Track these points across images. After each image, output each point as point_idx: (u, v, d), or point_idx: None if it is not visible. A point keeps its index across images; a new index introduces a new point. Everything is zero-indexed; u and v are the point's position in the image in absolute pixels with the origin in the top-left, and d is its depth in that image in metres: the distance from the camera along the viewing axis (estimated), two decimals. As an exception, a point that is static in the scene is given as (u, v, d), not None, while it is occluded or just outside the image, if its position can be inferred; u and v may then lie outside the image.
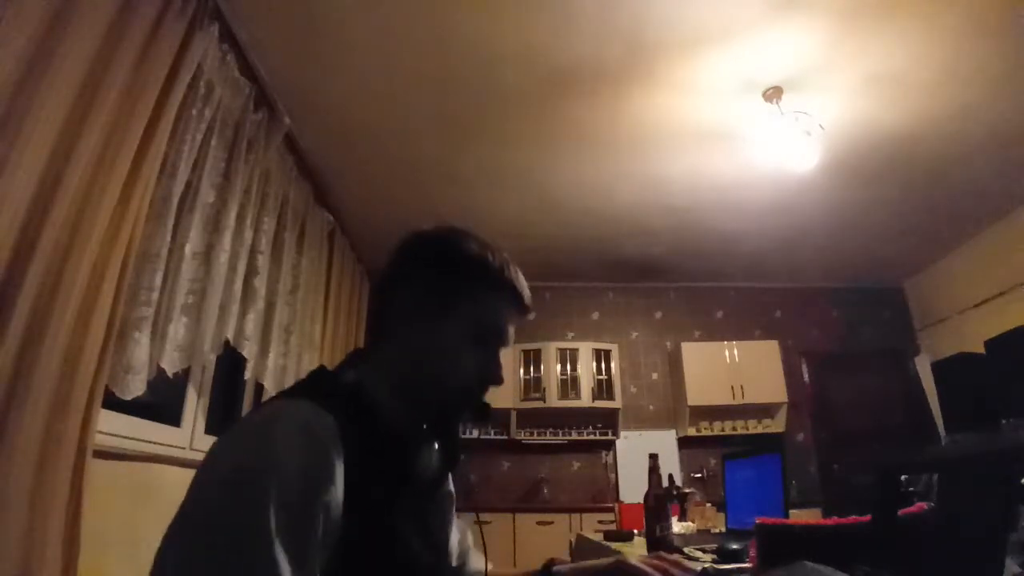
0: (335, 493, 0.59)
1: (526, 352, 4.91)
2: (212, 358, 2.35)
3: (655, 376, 5.22)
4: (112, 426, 1.80)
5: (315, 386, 0.71)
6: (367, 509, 0.62)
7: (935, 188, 3.79)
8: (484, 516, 4.20)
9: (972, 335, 4.34)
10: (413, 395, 0.75)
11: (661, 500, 1.61)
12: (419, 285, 0.78)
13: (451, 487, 0.90)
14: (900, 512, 0.84)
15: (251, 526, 0.52)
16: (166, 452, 2.12)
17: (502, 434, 4.74)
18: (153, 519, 1.93)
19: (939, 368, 4.46)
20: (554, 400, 4.78)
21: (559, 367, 4.88)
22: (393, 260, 0.82)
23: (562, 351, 4.95)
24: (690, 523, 2.33)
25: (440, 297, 0.76)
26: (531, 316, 0.84)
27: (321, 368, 0.77)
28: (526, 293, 0.81)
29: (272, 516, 0.53)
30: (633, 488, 4.63)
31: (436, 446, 0.83)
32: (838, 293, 5.44)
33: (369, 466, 0.64)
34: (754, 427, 4.85)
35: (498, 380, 0.79)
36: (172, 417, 2.30)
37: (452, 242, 0.79)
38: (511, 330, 0.81)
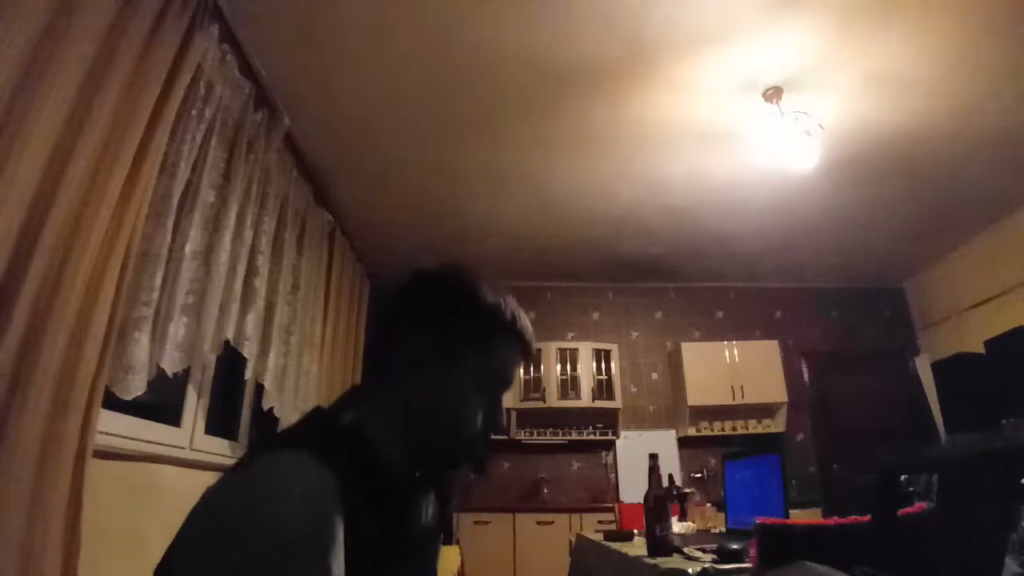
0: (338, 554, 0.57)
1: (526, 352, 4.90)
2: (212, 358, 2.35)
3: (655, 376, 5.22)
4: (112, 426, 1.80)
5: (312, 434, 0.69)
6: (363, 564, 0.61)
7: (935, 188, 3.79)
8: (484, 516, 4.21)
9: (972, 335, 4.35)
10: (417, 444, 0.73)
11: (661, 500, 1.60)
12: (430, 330, 0.75)
13: (439, 544, 0.89)
14: (900, 512, 0.84)
15: None
16: (166, 452, 2.12)
17: (502, 434, 4.74)
18: (153, 519, 1.93)
19: (939, 368, 4.47)
20: (554, 400, 4.77)
21: (559, 367, 4.88)
22: (402, 298, 0.79)
23: (562, 351, 4.94)
24: (690, 523, 2.33)
25: (452, 345, 0.75)
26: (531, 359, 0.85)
27: (318, 410, 0.74)
28: (533, 343, 0.82)
29: None
30: (633, 488, 4.63)
31: (432, 496, 0.81)
32: (838, 293, 5.44)
33: (368, 522, 0.62)
34: (754, 427, 4.85)
35: (500, 430, 0.78)
36: (172, 417, 2.29)
37: (465, 287, 0.77)
38: (514, 375, 0.82)
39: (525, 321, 0.80)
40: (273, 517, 0.54)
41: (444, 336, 0.75)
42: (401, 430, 0.72)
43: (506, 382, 0.79)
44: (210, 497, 0.59)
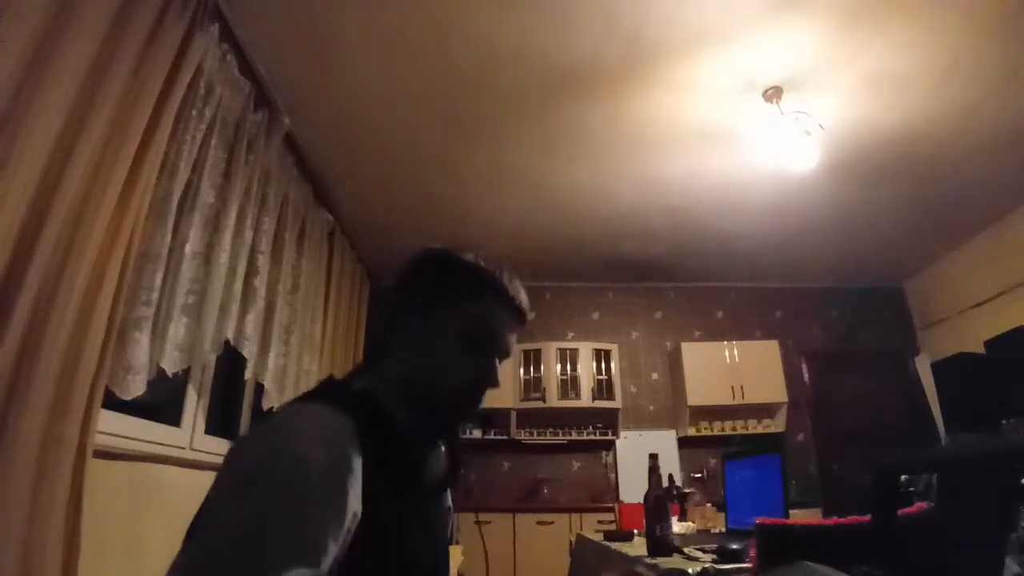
0: (357, 490, 0.60)
1: (526, 352, 4.91)
2: (212, 358, 2.35)
3: (655, 376, 5.22)
4: (112, 426, 1.80)
5: (328, 391, 0.73)
6: (378, 508, 0.64)
7: (935, 188, 3.79)
8: (484, 516, 4.20)
9: (972, 335, 4.35)
10: (413, 400, 0.77)
11: (661, 500, 1.61)
12: (415, 294, 0.81)
13: (450, 502, 0.92)
14: (900, 512, 0.84)
15: (279, 519, 0.54)
16: (166, 452, 2.12)
17: (502, 434, 4.74)
18: (153, 519, 1.93)
19: (939, 368, 4.46)
20: (554, 400, 4.77)
21: (559, 367, 4.88)
22: (396, 278, 0.85)
23: (562, 351, 4.94)
24: (690, 523, 2.33)
25: (433, 303, 0.79)
26: (528, 319, 0.85)
27: (331, 377, 0.79)
28: (521, 297, 0.82)
29: (302, 510, 0.55)
30: (633, 488, 4.63)
31: (442, 451, 0.85)
32: (838, 293, 5.44)
33: (383, 467, 0.66)
34: (754, 427, 4.85)
35: (493, 383, 0.80)
36: (172, 417, 2.29)
37: (447, 253, 0.83)
38: (508, 337, 0.82)
39: (509, 278, 0.82)
40: (297, 455, 0.58)
41: (426, 296, 0.80)
42: (399, 387, 0.77)
43: (491, 336, 0.80)
44: (236, 446, 0.63)
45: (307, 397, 0.72)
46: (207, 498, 0.59)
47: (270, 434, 0.62)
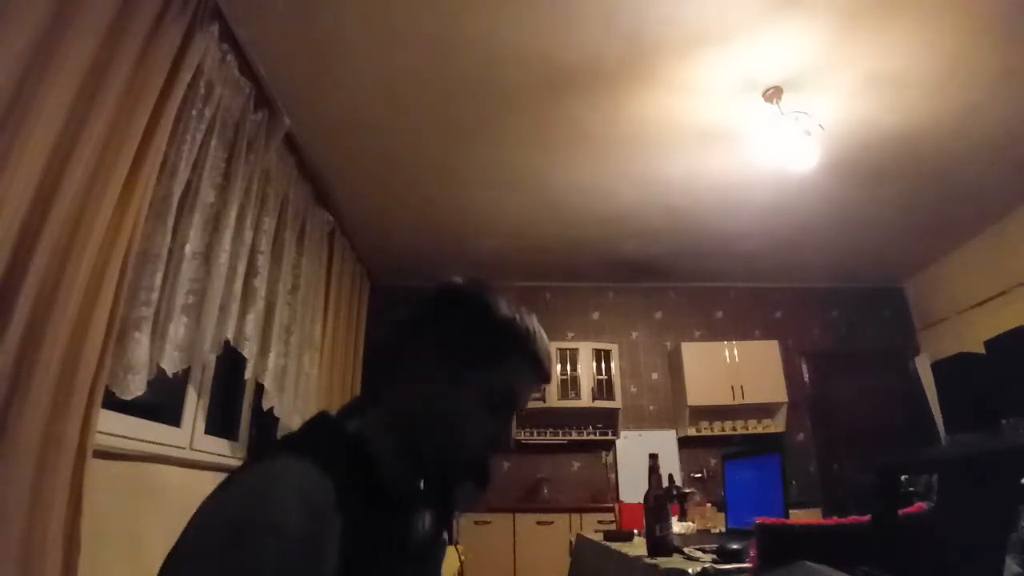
0: (331, 561, 0.59)
1: (526, 352, 4.90)
2: (212, 358, 2.35)
3: (655, 376, 5.22)
4: (112, 426, 1.80)
5: (316, 441, 0.69)
6: (363, 570, 0.62)
7: (935, 188, 3.79)
8: (484, 516, 4.20)
9: (972, 335, 4.34)
10: (416, 453, 0.73)
11: (661, 500, 1.61)
12: (442, 340, 0.75)
13: (444, 535, 0.87)
14: (900, 512, 0.84)
15: None
16: (166, 452, 2.12)
17: (508, 450, 4.72)
18: (153, 519, 1.93)
19: (939, 368, 4.46)
20: (554, 400, 4.77)
21: (559, 367, 4.88)
22: (419, 308, 0.79)
23: (562, 351, 4.94)
24: (690, 523, 2.33)
25: (463, 357, 0.74)
26: (547, 383, 0.81)
27: (323, 416, 0.74)
28: (547, 364, 0.79)
29: None
30: (633, 488, 4.63)
31: (433, 506, 0.81)
32: (838, 293, 5.44)
33: (366, 532, 0.63)
34: (754, 427, 4.85)
35: (507, 447, 0.76)
36: (172, 417, 2.30)
37: (482, 301, 0.76)
38: (528, 396, 0.79)
39: (540, 339, 0.77)
40: (276, 523, 0.55)
41: (456, 346, 0.74)
42: (402, 436, 0.73)
43: (514, 401, 0.76)
44: (214, 498, 0.61)
45: (295, 445, 0.67)
46: (178, 551, 0.57)
47: (250, 495, 0.59)
